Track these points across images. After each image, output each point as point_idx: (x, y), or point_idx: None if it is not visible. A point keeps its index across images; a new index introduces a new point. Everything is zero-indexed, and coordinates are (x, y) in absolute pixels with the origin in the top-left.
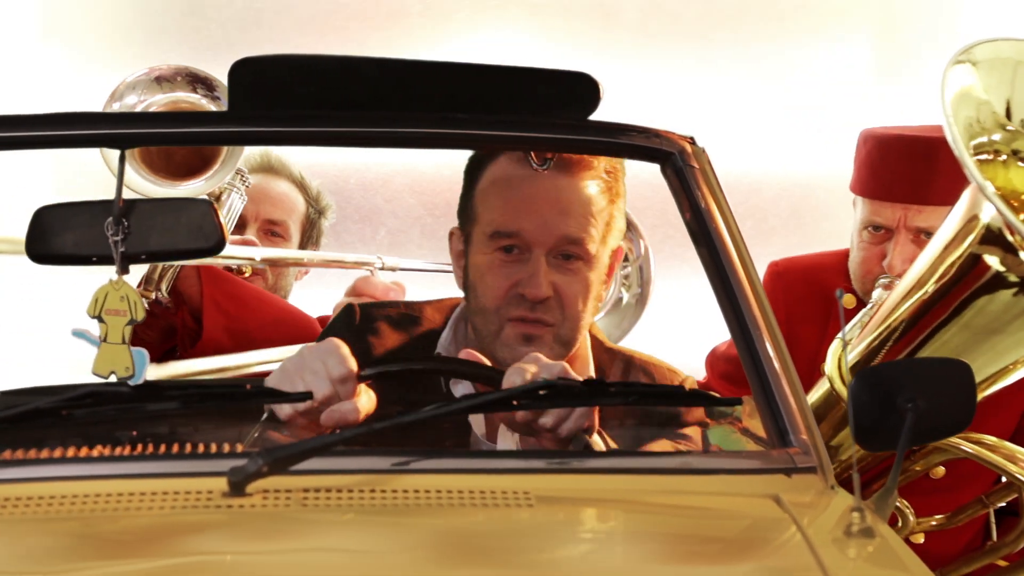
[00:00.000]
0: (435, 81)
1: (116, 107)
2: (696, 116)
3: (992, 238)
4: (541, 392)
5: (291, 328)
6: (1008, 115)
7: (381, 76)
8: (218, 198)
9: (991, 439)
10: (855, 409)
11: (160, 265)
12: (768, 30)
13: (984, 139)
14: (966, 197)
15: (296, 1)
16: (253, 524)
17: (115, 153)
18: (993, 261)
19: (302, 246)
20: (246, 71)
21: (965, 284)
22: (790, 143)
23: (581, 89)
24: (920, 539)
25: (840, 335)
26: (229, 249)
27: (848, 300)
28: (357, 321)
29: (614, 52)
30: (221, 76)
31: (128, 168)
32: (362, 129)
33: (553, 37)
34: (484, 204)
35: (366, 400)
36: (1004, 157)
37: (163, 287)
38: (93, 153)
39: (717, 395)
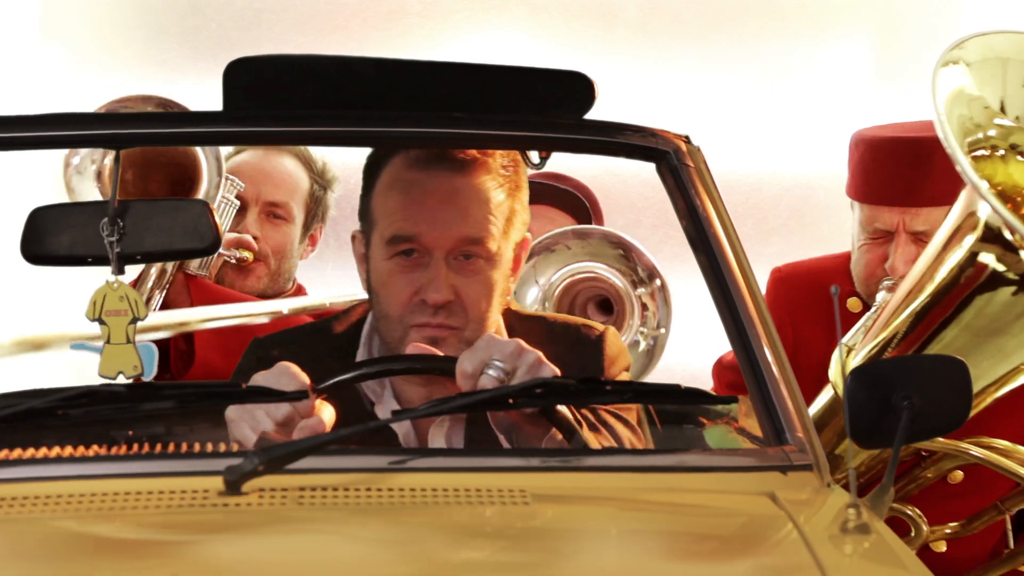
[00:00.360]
0: (430, 80)
1: (75, 161)
2: (696, 116)
3: (991, 237)
4: (537, 391)
5: None
6: (1003, 110)
7: (376, 76)
8: None
9: (1003, 443)
10: (851, 407)
11: (148, 287)
12: (768, 30)
13: (980, 135)
14: (964, 196)
15: (296, 1)
16: (249, 523)
17: (82, 179)
18: (993, 260)
19: (306, 225)
20: (241, 71)
21: (966, 285)
22: (790, 143)
23: (576, 88)
24: (942, 547)
25: (842, 341)
26: (255, 306)
27: (853, 304)
28: (267, 353)
29: (614, 52)
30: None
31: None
32: (360, 129)
33: (553, 37)
34: (381, 207)
35: (328, 412)
36: (1002, 152)
37: (152, 306)
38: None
39: (713, 394)
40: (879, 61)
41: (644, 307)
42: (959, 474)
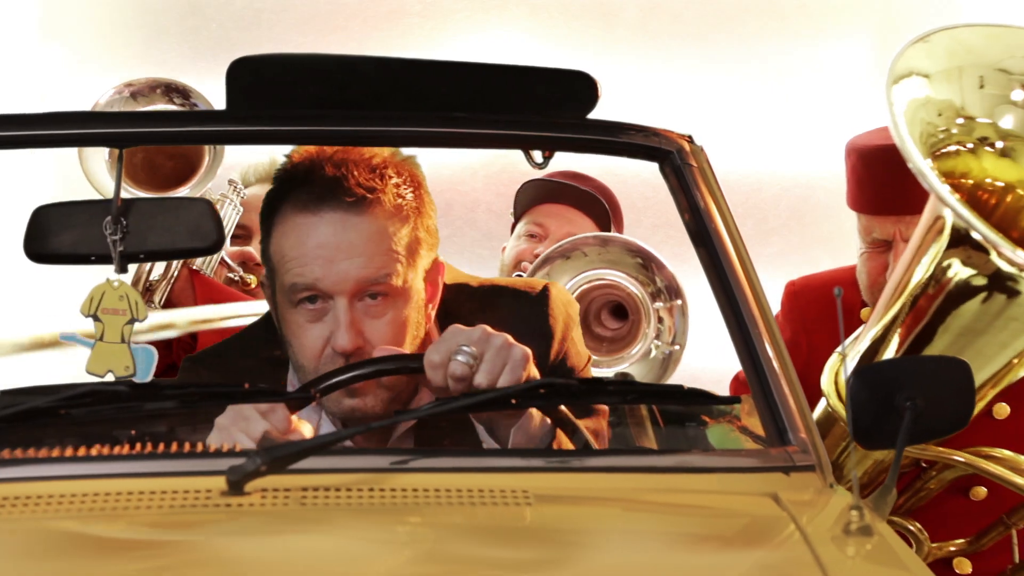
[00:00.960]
0: (433, 80)
1: None
2: (696, 116)
3: (959, 239)
4: (540, 391)
5: None
6: (964, 109)
7: (378, 75)
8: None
9: (1004, 452)
10: (854, 407)
11: (149, 275)
12: (768, 30)
13: (943, 136)
14: (931, 200)
15: (296, 1)
16: (252, 523)
17: (96, 158)
18: (963, 263)
19: None
20: (243, 70)
21: (939, 289)
22: (790, 143)
23: (579, 87)
24: (967, 568)
25: (837, 350)
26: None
27: (867, 314)
28: (202, 370)
29: (614, 52)
30: (221, 76)
31: (110, 180)
32: (363, 128)
33: (553, 37)
34: (278, 255)
35: (305, 428)
36: (971, 146)
37: (156, 299)
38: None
39: (716, 394)
40: (879, 61)
41: (660, 320)
42: (982, 490)
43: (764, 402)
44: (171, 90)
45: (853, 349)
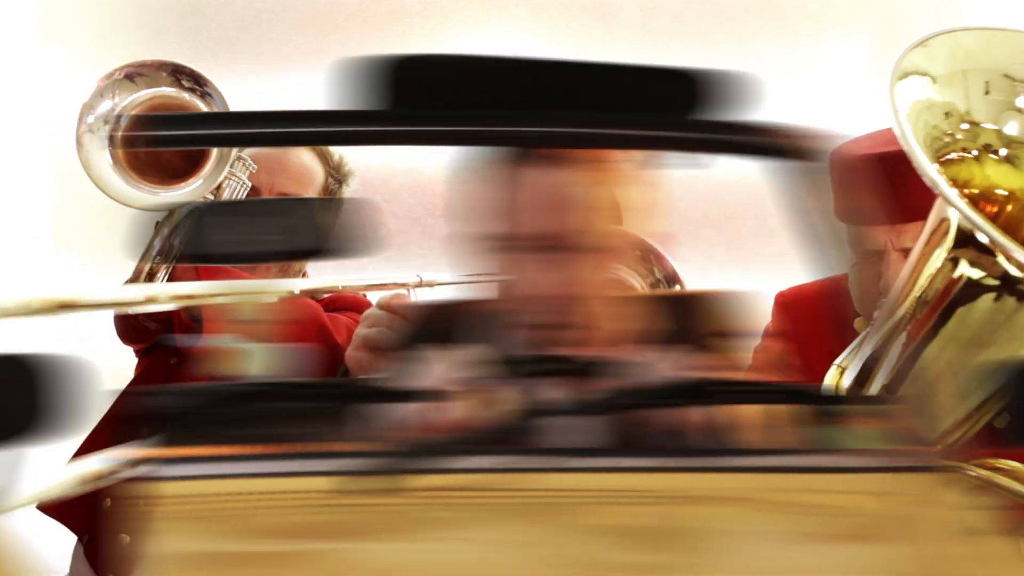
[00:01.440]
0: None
1: (90, 120)
2: None
3: (964, 242)
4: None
5: (295, 315)
6: (969, 115)
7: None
8: (218, 187)
9: (1011, 464)
10: (1015, 404)
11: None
12: (768, 30)
13: (948, 140)
14: (936, 205)
15: (296, 1)
16: (384, 523)
17: (99, 156)
18: (969, 266)
19: None
20: (410, 69)
21: (943, 295)
22: None
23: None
24: None
25: (836, 362)
26: (266, 284)
27: (860, 324)
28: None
29: (614, 52)
30: (221, 76)
31: (114, 174)
32: (366, 130)
33: (553, 37)
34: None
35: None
36: (975, 152)
37: (158, 279)
38: None
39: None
40: (879, 61)
41: None
42: None
43: (896, 402)
44: (179, 72)
45: (856, 362)
